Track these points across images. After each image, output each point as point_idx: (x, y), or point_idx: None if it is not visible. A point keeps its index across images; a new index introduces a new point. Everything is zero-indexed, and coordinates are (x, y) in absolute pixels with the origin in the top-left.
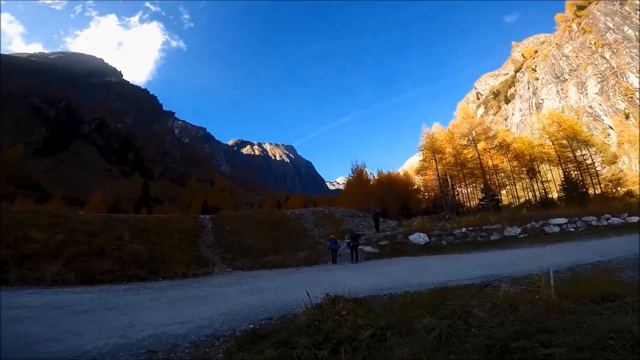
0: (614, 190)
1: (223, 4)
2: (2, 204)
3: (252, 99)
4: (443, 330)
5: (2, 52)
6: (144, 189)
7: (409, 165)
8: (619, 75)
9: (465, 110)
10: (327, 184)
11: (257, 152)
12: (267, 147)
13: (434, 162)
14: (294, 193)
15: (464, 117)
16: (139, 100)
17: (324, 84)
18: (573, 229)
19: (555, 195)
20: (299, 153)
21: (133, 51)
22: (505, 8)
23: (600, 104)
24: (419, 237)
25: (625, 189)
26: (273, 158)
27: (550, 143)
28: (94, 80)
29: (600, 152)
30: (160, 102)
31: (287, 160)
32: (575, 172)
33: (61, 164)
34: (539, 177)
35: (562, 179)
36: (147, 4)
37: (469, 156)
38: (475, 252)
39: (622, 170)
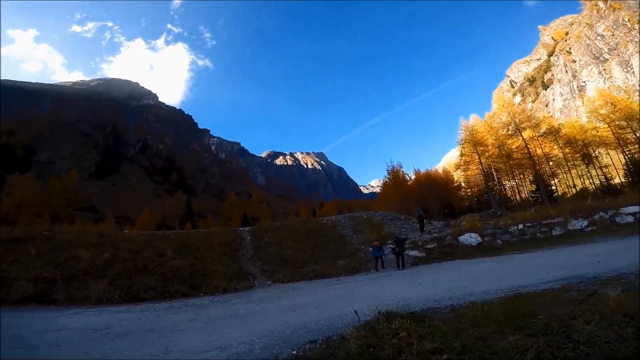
0: None
1: (241, 20)
2: (59, 226)
3: (280, 110)
4: (541, 350)
5: (48, 82)
6: (187, 205)
7: (446, 161)
8: None
9: (501, 99)
10: (361, 187)
11: (289, 162)
12: (299, 156)
13: (476, 156)
14: (327, 200)
15: (502, 105)
16: (176, 120)
17: (348, 88)
18: None
19: (618, 180)
20: (329, 159)
21: (164, 73)
22: None
23: None
24: (470, 238)
25: None
26: (305, 167)
27: (605, 125)
28: (133, 104)
29: None
30: (195, 120)
31: (318, 167)
32: (634, 156)
33: (113, 186)
34: (597, 162)
35: (626, 162)
36: (169, 25)
37: (514, 146)
38: (538, 250)
39: None
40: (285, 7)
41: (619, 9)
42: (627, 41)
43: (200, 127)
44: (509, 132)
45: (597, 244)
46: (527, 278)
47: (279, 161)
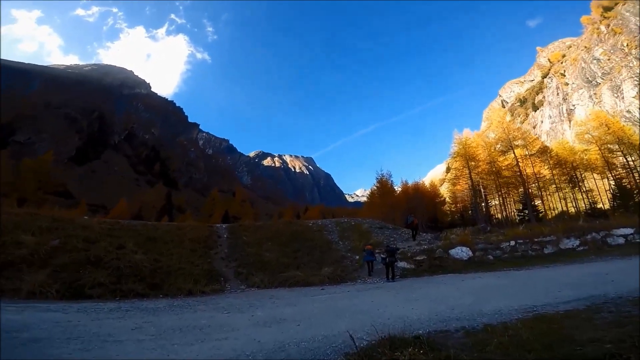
0: None
1: (245, 18)
2: (9, 208)
3: (272, 112)
4: None
5: (42, 64)
6: (167, 198)
7: (431, 176)
8: None
9: (497, 114)
10: (347, 196)
11: (277, 164)
12: (287, 158)
13: (467, 171)
14: (312, 205)
15: (499, 121)
16: (166, 111)
17: (342, 95)
18: None
19: (601, 205)
20: (318, 165)
21: (161, 63)
22: (527, 12)
23: (639, 108)
24: (462, 252)
25: None
26: (293, 170)
27: (595, 148)
28: (125, 92)
29: None
30: (185, 113)
31: (306, 172)
32: (626, 180)
33: (93, 173)
34: (582, 185)
35: (613, 186)
36: (173, 15)
37: (505, 164)
38: (534, 267)
39: None
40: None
41: (619, 33)
42: (622, 66)
43: (190, 120)
44: (501, 148)
45: (595, 263)
46: (539, 297)
47: (267, 162)
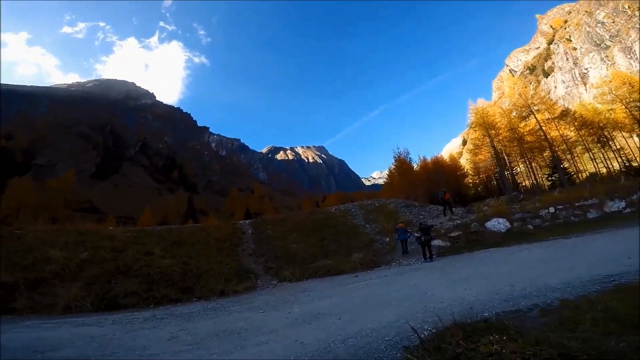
0: None
1: (237, 16)
2: (33, 224)
3: (280, 105)
4: None
5: (44, 85)
6: (189, 203)
7: (448, 150)
8: None
9: (513, 81)
10: (363, 180)
11: (290, 157)
12: (300, 150)
13: (487, 139)
14: (329, 193)
15: (513, 87)
16: (174, 119)
17: (347, 82)
18: None
19: (636, 163)
20: (330, 152)
21: (160, 71)
22: None
23: None
24: (498, 224)
25: None
26: (306, 161)
27: (621, 107)
28: (130, 104)
29: None
30: (194, 118)
31: (319, 161)
32: None
33: (115, 186)
34: (612, 145)
35: None
36: (162, 23)
37: (527, 129)
38: (584, 234)
39: None
40: (281, 5)
41: None
42: (629, 28)
43: (199, 124)
44: (520, 114)
45: None
46: (609, 265)
47: (280, 156)
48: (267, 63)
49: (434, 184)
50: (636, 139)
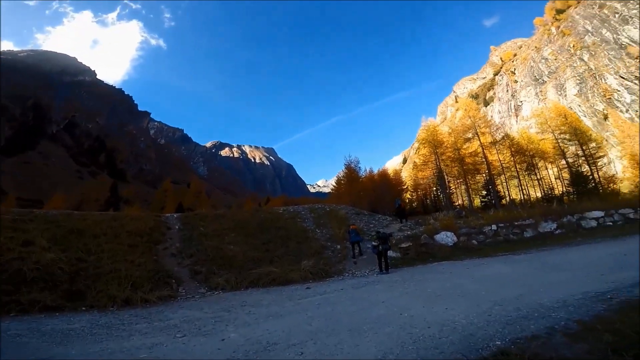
0: (609, 187)
1: (206, 4)
2: None
3: (233, 101)
4: None
5: None
6: (112, 190)
7: (389, 167)
8: (597, 77)
9: (466, 103)
10: (309, 186)
11: (236, 155)
12: (247, 149)
13: (434, 157)
14: (274, 196)
15: (466, 109)
16: (113, 100)
17: (304, 87)
18: (610, 223)
19: (556, 192)
20: (279, 156)
21: (109, 50)
22: (485, 11)
23: (579, 105)
24: (447, 237)
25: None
26: (253, 160)
27: (551, 137)
28: (66, 80)
29: (599, 147)
30: (135, 102)
31: (267, 162)
32: (578, 168)
33: (25, 164)
34: (537, 173)
35: (572, 173)
36: (127, 1)
37: (469, 151)
38: (530, 251)
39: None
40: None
41: (568, 34)
42: (567, 65)
43: (140, 109)
44: (471, 135)
45: (587, 245)
46: (590, 283)
47: (225, 152)
48: (227, 58)
49: (379, 195)
50: (555, 169)
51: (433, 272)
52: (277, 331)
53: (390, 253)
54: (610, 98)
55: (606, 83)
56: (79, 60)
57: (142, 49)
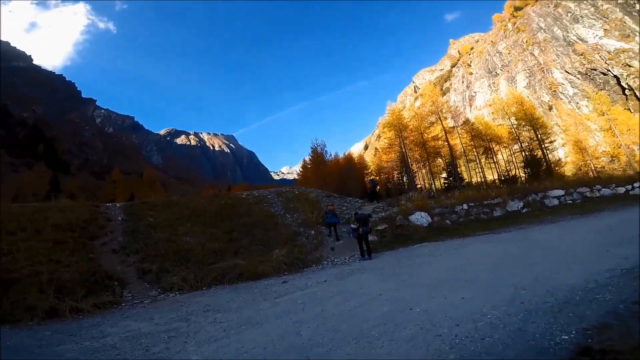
0: (557, 169)
1: None
2: None
3: (190, 88)
4: None
5: None
6: (52, 182)
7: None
8: (545, 71)
9: (429, 88)
10: (272, 173)
11: (193, 142)
12: (205, 136)
13: (398, 140)
14: (236, 184)
15: (429, 95)
16: (53, 87)
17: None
18: (570, 201)
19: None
20: (240, 143)
21: (48, 33)
22: (447, 6)
23: (527, 97)
24: (422, 217)
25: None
26: (211, 148)
27: (507, 124)
28: None
29: (549, 133)
30: (79, 88)
31: (227, 150)
32: (531, 151)
33: None
34: (494, 156)
35: (526, 156)
36: None
37: (431, 135)
38: (508, 229)
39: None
40: None
41: (522, 30)
42: (519, 60)
43: (84, 96)
44: (434, 119)
45: (563, 221)
46: (606, 260)
47: (181, 140)
48: (183, 41)
49: (344, 179)
50: (507, 153)
51: (420, 256)
52: (255, 348)
53: (370, 237)
54: (555, 90)
55: (552, 77)
56: (13, 44)
57: (89, 32)
